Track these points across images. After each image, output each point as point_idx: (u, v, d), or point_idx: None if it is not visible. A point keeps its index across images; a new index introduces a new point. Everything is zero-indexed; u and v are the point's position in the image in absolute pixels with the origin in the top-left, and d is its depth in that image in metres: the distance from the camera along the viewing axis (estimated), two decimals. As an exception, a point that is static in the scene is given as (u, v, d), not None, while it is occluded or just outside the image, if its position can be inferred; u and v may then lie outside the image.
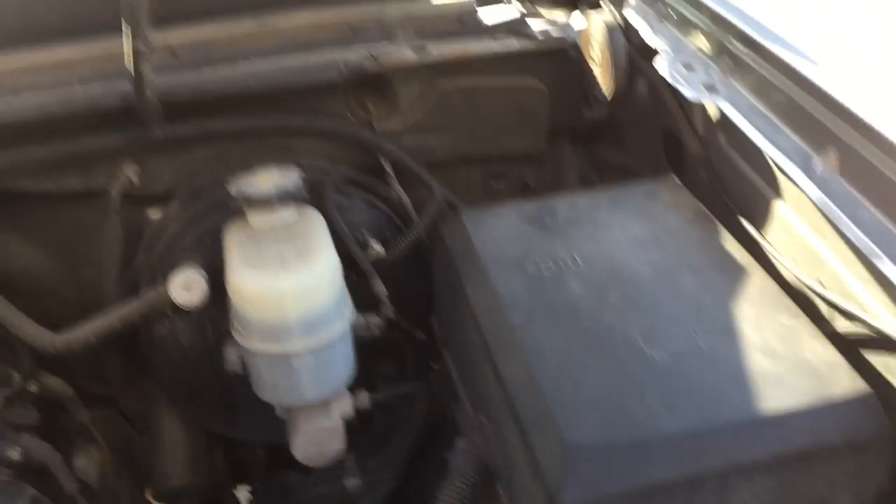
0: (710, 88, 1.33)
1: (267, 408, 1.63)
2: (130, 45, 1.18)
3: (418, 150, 1.64)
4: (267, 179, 1.31)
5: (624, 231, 1.29)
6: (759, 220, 1.29)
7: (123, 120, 1.46)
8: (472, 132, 1.69)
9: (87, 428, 1.87)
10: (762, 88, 1.28)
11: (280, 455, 1.88)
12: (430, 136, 1.68)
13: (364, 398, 1.36)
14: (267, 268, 1.20)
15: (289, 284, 1.18)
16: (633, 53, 1.53)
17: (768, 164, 1.24)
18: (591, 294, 1.17)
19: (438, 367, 1.64)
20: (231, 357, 1.43)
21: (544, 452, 0.98)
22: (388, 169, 1.62)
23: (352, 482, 1.53)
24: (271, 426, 1.65)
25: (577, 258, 1.24)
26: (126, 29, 1.16)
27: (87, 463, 1.89)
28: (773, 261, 1.23)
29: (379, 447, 1.64)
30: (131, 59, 1.21)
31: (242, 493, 2.07)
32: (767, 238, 1.26)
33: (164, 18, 1.25)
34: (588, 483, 0.94)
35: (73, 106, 1.37)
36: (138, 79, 1.25)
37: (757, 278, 1.19)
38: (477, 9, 1.63)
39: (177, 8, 1.15)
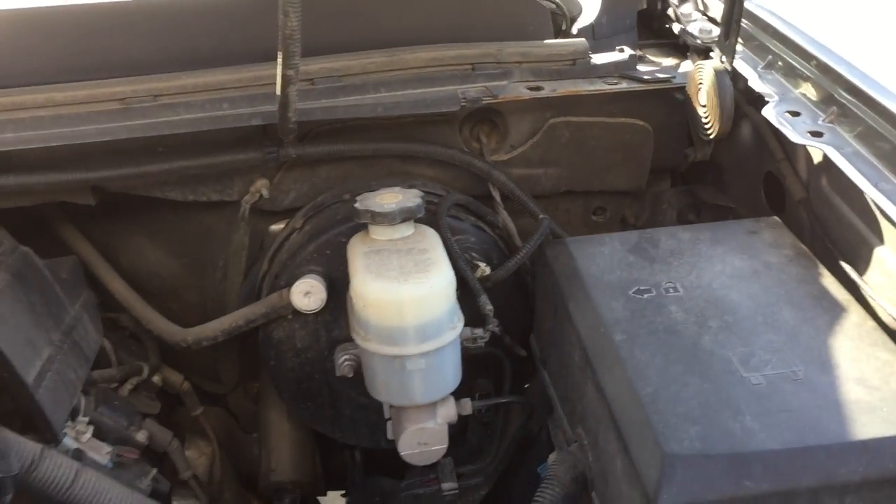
0: (815, 134, 1.39)
1: (369, 413, 1.74)
2: (281, 71, 1.32)
3: (524, 180, 1.74)
4: (390, 197, 1.42)
5: (724, 264, 1.36)
6: (859, 262, 1.33)
7: (260, 138, 1.61)
8: (577, 167, 1.77)
9: (200, 422, 2.01)
10: (867, 136, 1.33)
11: (375, 461, 1.99)
12: (537, 169, 1.77)
13: (467, 405, 1.45)
14: (389, 277, 1.31)
15: (408, 293, 1.29)
16: (738, 98, 1.60)
17: (871, 209, 1.28)
18: (691, 319, 1.24)
19: (532, 384, 1.72)
20: (341, 361, 1.55)
21: (643, 461, 1.05)
22: (497, 197, 1.72)
23: (448, 486, 1.62)
24: (371, 430, 1.77)
25: (678, 286, 1.31)
26: (280, 57, 1.30)
27: (197, 455, 2.03)
28: (872, 302, 1.27)
29: (475, 456, 1.72)
30: (280, 83, 1.35)
31: (336, 499, 2.18)
32: (867, 280, 1.31)
33: (305, 50, 1.39)
34: (684, 490, 1.00)
35: (221, 124, 1.52)
36: (284, 102, 1.38)
37: (855, 315, 1.23)
38: (590, 51, 1.73)
39: (317, 42, 1.28)
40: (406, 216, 1.40)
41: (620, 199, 1.88)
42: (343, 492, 2.25)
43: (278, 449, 1.86)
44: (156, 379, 1.88)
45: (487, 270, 1.58)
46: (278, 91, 1.36)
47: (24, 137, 1.46)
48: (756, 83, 1.55)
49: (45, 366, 1.43)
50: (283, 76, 1.32)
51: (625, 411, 1.12)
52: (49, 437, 1.40)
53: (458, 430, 1.56)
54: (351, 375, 1.55)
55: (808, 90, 1.48)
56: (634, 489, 1.06)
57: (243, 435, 2.12)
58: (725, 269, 1.34)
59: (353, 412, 1.74)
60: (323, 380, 1.70)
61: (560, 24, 1.84)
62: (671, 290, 1.31)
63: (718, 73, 1.55)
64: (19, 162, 1.52)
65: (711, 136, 1.61)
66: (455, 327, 1.35)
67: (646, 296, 1.30)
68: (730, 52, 1.56)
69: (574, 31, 1.88)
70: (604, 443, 1.18)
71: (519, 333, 1.68)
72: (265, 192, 1.70)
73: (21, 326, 1.42)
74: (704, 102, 1.60)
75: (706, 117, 1.60)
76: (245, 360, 1.99)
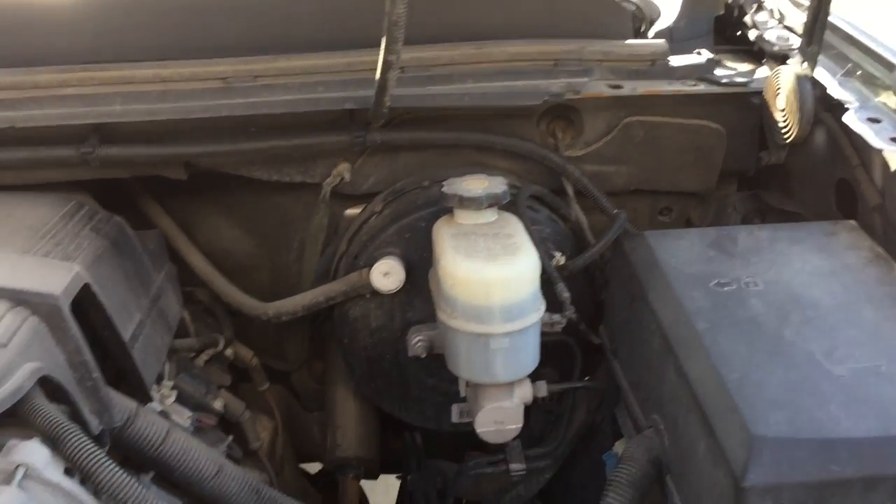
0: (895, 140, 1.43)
1: (435, 395, 1.79)
2: (383, 55, 1.38)
3: (596, 177, 1.77)
4: (477, 183, 1.48)
5: (804, 263, 1.39)
6: (935, 267, 1.37)
7: (348, 123, 1.67)
8: (648, 166, 1.81)
9: (265, 398, 2.07)
10: (949, 144, 1.36)
11: (433, 445, 2.04)
12: (609, 166, 1.81)
13: (542, 387, 1.50)
14: (478, 258, 1.36)
15: (497, 274, 1.34)
16: (816, 104, 1.63)
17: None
18: (772, 313, 1.28)
19: (594, 376, 1.76)
20: (414, 342, 1.60)
21: (730, 443, 1.09)
22: (570, 191, 1.76)
23: (517, 467, 1.67)
24: (436, 412, 1.82)
25: (758, 281, 1.35)
26: (383, 41, 1.35)
27: (260, 430, 2.08)
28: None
29: (535, 443, 1.77)
30: (381, 67, 1.40)
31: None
32: (943, 284, 1.34)
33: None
34: (772, 471, 1.04)
35: (315, 106, 1.58)
36: (382, 85, 1.44)
37: (936, 316, 1.27)
38: (669, 53, 1.77)
39: (409, 32, 1.33)
40: (492, 202, 1.46)
41: (687, 200, 1.91)
42: (397, 475, 2.30)
43: (344, 426, 1.92)
44: (228, 352, 1.94)
45: (563, 260, 1.63)
46: (377, 75, 1.41)
47: (131, 110, 1.53)
48: (835, 90, 1.58)
49: (136, 329, 1.50)
50: (385, 61, 1.38)
51: (710, 396, 1.16)
52: (141, 396, 1.46)
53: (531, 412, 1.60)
54: (424, 356, 1.60)
55: (889, 99, 1.51)
56: (719, 469, 1.10)
57: (304, 413, 2.18)
58: (805, 268, 1.38)
59: (420, 393, 1.79)
60: (393, 360, 1.76)
61: (639, 26, 1.88)
62: (751, 285, 1.34)
63: (800, 79, 1.59)
64: (122, 134, 1.59)
65: (788, 140, 1.64)
66: (538, 310, 1.40)
67: (726, 289, 1.34)
68: (812, 59, 1.60)
69: (651, 34, 1.92)
70: (684, 427, 1.22)
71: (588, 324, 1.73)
72: (347, 176, 1.75)
73: (118, 290, 1.49)
74: (783, 107, 1.64)
75: (784, 121, 1.64)
76: (312, 340, 2.05)
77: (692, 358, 1.23)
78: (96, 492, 1.10)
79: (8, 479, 1.00)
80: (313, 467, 2.32)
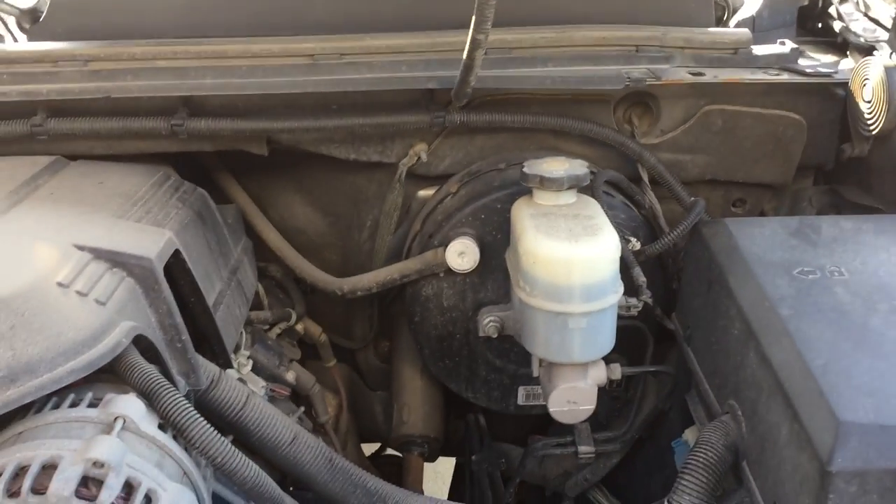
0: None
1: (503, 376, 1.80)
2: (472, 34, 1.39)
3: (671, 165, 1.77)
4: (558, 164, 1.48)
5: (890, 253, 1.37)
6: None
7: (428, 103, 1.69)
8: (725, 156, 1.80)
9: (331, 374, 2.11)
10: None
11: (496, 427, 2.05)
12: (685, 155, 1.80)
13: (617, 369, 1.50)
14: (559, 237, 1.37)
15: (579, 253, 1.34)
16: (904, 97, 1.60)
17: None
18: (858, 302, 1.27)
19: (669, 360, 1.76)
20: (486, 322, 1.61)
21: (816, 428, 1.08)
22: (645, 179, 1.76)
23: (585, 449, 1.67)
24: (503, 394, 1.83)
25: (843, 270, 1.34)
26: (473, 20, 1.36)
27: (327, 405, 2.12)
28: None
29: (601, 429, 1.77)
30: (469, 46, 1.41)
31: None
32: None
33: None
34: (858, 456, 1.03)
35: (399, 85, 1.60)
36: (468, 64, 1.45)
37: None
38: (752, 42, 1.76)
39: (495, 15, 1.34)
40: (573, 183, 1.46)
41: (762, 192, 1.90)
42: (454, 458, 2.33)
43: (410, 404, 1.94)
44: (299, 327, 1.98)
45: (638, 245, 1.63)
46: (465, 54, 1.43)
47: (221, 84, 1.57)
48: (925, 82, 1.56)
49: (217, 298, 1.54)
50: (473, 39, 1.39)
51: (794, 381, 1.15)
52: (222, 362, 1.50)
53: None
54: (495, 336, 1.61)
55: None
56: (803, 454, 1.09)
57: (367, 391, 2.21)
58: (891, 258, 1.36)
59: (488, 374, 1.81)
60: (463, 340, 1.77)
61: (721, 14, 1.87)
62: (836, 274, 1.33)
63: (888, 70, 1.56)
64: (209, 108, 1.63)
65: (874, 132, 1.62)
66: (617, 292, 1.40)
67: (810, 277, 1.32)
68: (899, 48, 1.58)
69: (733, 23, 1.90)
70: (765, 412, 1.22)
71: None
72: (423, 157, 1.77)
73: (202, 259, 1.53)
74: (869, 98, 1.61)
75: (870, 113, 1.62)
76: (379, 320, 2.08)
77: (776, 344, 1.22)
78: (187, 447, 1.14)
79: (108, 430, 1.04)
80: (367, 450, 2.35)
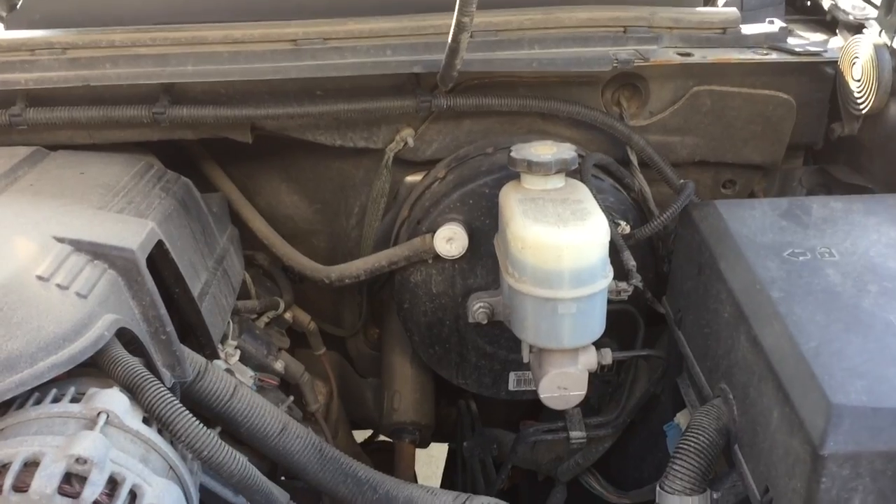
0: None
1: (493, 362, 1.79)
2: (456, 17, 1.36)
3: (660, 147, 1.75)
4: (546, 149, 1.46)
5: (880, 234, 1.36)
6: None
7: (414, 88, 1.67)
8: (714, 137, 1.78)
9: (321, 362, 2.09)
10: None
11: (487, 413, 2.05)
12: (674, 136, 1.78)
13: (607, 354, 1.49)
14: (548, 222, 1.35)
15: (567, 238, 1.33)
16: (893, 74, 1.59)
17: None
18: (849, 283, 1.26)
19: (660, 344, 1.75)
20: (475, 308, 1.60)
21: (808, 411, 1.07)
22: (634, 161, 1.74)
23: (577, 434, 1.67)
24: (493, 380, 1.82)
25: (833, 251, 1.33)
26: (458, 2, 1.34)
27: (316, 393, 2.11)
28: None
29: (592, 413, 1.76)
30: (454, 29, 1.39)
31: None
32: None
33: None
34: (851, 439, 1.02)
35: (384, 69, 1.58)
36: (453, 48, 1.43)
37: None
38: (741, 21, 1.74)
39: None
40: (561, 167, 1.44)
41: (752, 173, 1.88)
42: (447, 444, 2.32)
43: (401, 391, 1.93)
44: (287, 316, 1.96)
45: (628, 229, 1.61)
46: (450, 37, 1.41)
47: (203, 70, 1.54)
48: (915, 60, 1.54)
49: (203, 288, 1.52)
50: (458, 22, 1.36)
51: (786, 364, 1.14)
52: (209, 353, 1.49)
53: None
54: (485, 322, 1.60)
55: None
56: (795, 438, 1.08)
57: (357, 379, 2.20)
58: (881, 239, 1.35)
59: (478, 360, 1.79)
60: (453, 326, 1.76)
61: (709, -7, 1.85)
62: (826, 255, 1.32)
63: (878, 48, 1.55)
64: (191, 95, 1.60)
65: (864, 111, 1.60)
66: (607, 276, 1.39)
67: (801, 258, 1.31)
68: (890, 28, 1.55)
69: (721, 2, 1.88)
70: (756, 395, 1.21)
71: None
72: (410, 141, 1.75)
73: (186, 249, 1.51)
74: (859, 77, 1.60)
75: (860, 91, 1.60)
76: (368, 307, 2.06)
77: (767, 326, 1.21)
78: (172, 441, 1.13)
79: (91, 425, 1.03)
80: (359, 437, 2.34)
